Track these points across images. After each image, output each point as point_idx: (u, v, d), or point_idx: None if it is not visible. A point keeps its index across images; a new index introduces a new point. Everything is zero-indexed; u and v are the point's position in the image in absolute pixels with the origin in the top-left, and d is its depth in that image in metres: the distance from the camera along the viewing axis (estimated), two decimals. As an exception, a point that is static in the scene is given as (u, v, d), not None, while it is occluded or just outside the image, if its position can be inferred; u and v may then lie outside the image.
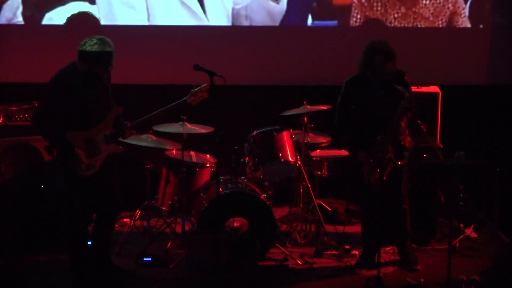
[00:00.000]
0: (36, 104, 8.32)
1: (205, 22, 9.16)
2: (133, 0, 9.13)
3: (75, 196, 6.76)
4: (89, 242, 7.06)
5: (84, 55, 6.62)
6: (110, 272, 7.05)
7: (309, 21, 9.22)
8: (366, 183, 7.03)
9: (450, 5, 9.16)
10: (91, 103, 6.70)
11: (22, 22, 9.14)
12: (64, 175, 6.76)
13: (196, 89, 7.15)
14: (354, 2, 9.17)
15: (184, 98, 7.14)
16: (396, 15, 9.16)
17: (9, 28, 9.14)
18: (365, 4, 9.16)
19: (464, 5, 9.18)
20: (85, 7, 9.10)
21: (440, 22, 9.19)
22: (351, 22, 9.20)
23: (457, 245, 7.84)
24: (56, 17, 9.13)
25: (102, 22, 9.09)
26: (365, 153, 7.04)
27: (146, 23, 9.16)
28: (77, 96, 6.62)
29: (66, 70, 6.69)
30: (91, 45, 6.59)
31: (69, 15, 9.05)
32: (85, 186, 6.74)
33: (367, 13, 9.19)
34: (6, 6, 9.09)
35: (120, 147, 6.96)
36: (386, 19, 9.15)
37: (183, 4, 9.13)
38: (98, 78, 6.73)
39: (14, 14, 9.12)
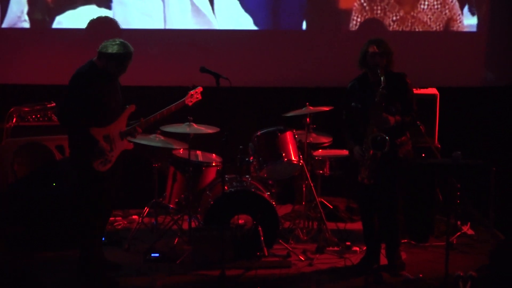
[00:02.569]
0: (48, 105, 8.48)
1: (213, 26, 9.22)
2: (146, 5, 9.22)
3: (93, 190, 6.85)
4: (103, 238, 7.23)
5: (102, 55, 6.77)
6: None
7: (311, 24, 9.34)
8: (360, 181, 7.04)
9: (447, 10, 9.23)
10: (108, 100, 6.83)
11: (34, 25, 9.19)
12: (82, 171, 6.84)
13: (192, 90, 7.44)
14: (355, 6, 9.24)
15: (183, 99, 7.38)
16: (394, 18, 9.27)
17: (21, 31, 9.20)
18: (367, 8, 9.24)
19: (460, 11, 9.24)
20: (94, 10, 9.16)
21: (437, 26, 9.26)
22: (352, 25, 9.26)
23: (454, 242, 7.90)
24: (66, 20, 9.19)
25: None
26: (359, 149, 7.05)
27: (155, 27, 9.24)
28: (96, 93, 6.74)
29: (85, 67, 6.82)
30: (111, 45, 6.76)
31: (91, 19, 9.13)
32: (102, 180, 6.85)
33: (367, 16, 9.26)
34: (16, 9, 9.16)
35: (131, 143, 7.09)
36: (385, 22, 9.25)
37: (193, 8, 9.22)
38: (112, 76, 6.87)
39: (22, 12, 9.17)
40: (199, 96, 7.50)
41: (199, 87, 7.51)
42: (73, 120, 6.74)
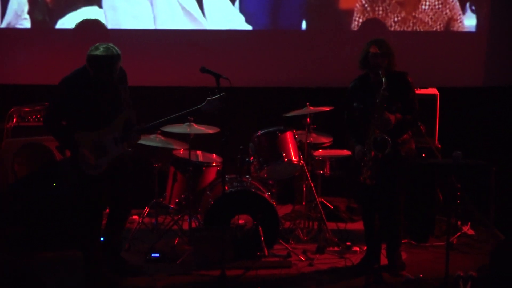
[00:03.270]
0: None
1: (213, 27, 9.25)
2: (139, 6, 9.24)
3: (82, 193, 6.83)
4: (102, 238, 7.15)
5: (89, 60, 6.71)
6: (118, 266, 7.16)
7: (311, 24, 9.33)
8: (362, 181, 7.05)
9: (447, 10, 9.24)
10: (100, 105, 6.76)
11: (34, 25, 9.20)
12: (74, 174, 6.83)
13: (213, 97, 6.96)
14: (356, 7, 9.25)
15: (199, 106, 7.02)
16: (396, 19, 9.29)
17: (22, 31, 9.22)
18: (368, 8, 9.24)
19: (460, 11, 9.24)
20: (95, 11, 9.20)
21: (438, 26, 9.27)
22: (353, 26, 9.27)
23: (454, 242, 7.91)
24: (68, 21, 9.21)
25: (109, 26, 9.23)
26: (360, 149, 7.07)
27: (153, 27, 9.25)
28: (85, 98, 6.68)
29: (77, 72, 6.77)
30: (95, 51, 6.68)
31: (79, 21, 9.15)
32: (92, 184, 6.81)
33: (368, 16, 9.26)
34: (16, 8, 9.17)
35: (129, 149, 7.01)
36: (387, 22, 9.27)
37: (190, 8, 9.23)
38: (103, 82, 6.77)
39: (22, 12, 9.19)
40: (220, 104, 6.93)
41: (222, 94, 6.91)
42: (55, 124, 6.72)
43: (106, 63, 6.70)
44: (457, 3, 9.27)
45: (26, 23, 9.25)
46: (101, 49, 6.70)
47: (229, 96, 7.04)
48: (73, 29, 9.21)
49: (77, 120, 6.73)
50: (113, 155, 6.88)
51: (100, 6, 9.23)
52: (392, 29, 9.28)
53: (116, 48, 6.77)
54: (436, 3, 9.25)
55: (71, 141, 6.72)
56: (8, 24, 9.25)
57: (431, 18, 9.27)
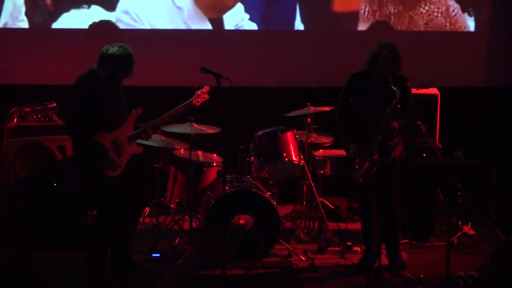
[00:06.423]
0: (49, 105, 8.51)
1: (215, 26, 9.27)
2: (148, 6, 9.30)
3: (103, 196, 6.81)
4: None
5: (107, 59, 6.72)
6: (128, 269, 7.13)
7: (312, 25, 9.36)
8: (355, 179, 7.06)
9: (451, 13, 9.26)
10: (113, 106, 6.78)
11: (34, 25, 9.21)
12: (91, 176, 6.79)
13: (199, 90, 7.31)
14: (361, 9, 9.28)
15: (190, 99, 7.27)
16: (398, 22, 9.31)
17: (21, 31, 9.24)
18: (369, 12, 9.29)
19: (461, 12, 9.25)
20: (96, 11, 9.20)
21: (439, 27, 9.28)
22: (354, 26, 9.29)
23: (455, 242, 7.91)
24: (66, 20, 9.23)
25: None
26: (356, 148, 7.09)
27: (153, 27, 9.30)
28: (100, 101, 6.69)
29: (87, 76, 6.76)
30: (113, 50, 6.71)
31: (91, 23, 9.20)
32: (112, 185, 6.80)
33: (369, 17, 9.27)
34: (15, 9, 9.18)
35: (141, 147, 7.04)
36: (388, 23, 9.30)
37: (189, 9, 9.26)
38: (118, 82, 6.82)
39: (20, 12, 9.20)
40: (207, 96, 7.36)
41: (205, 86, 7.38)
42: (82, 128, 6.68)
43: (126, 62, 6.75)
44: (458, 5, 9.28)
45: (26, 24, 9.25)
46: (119, 48, 6.74)
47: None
48: (74, 29, 9.23)
49: (95, 123, 6.71)
50: (128, 154, 6.91)
51: (101, 5, 9.25)
52: (393, 29, 9.29)
53: (130, 48, 6.83)
54: (439, 5, 9.25)
55: (98, 144, 6.70)
56: (8, 24, 9.26)
57: (432, 20, 9.27)
